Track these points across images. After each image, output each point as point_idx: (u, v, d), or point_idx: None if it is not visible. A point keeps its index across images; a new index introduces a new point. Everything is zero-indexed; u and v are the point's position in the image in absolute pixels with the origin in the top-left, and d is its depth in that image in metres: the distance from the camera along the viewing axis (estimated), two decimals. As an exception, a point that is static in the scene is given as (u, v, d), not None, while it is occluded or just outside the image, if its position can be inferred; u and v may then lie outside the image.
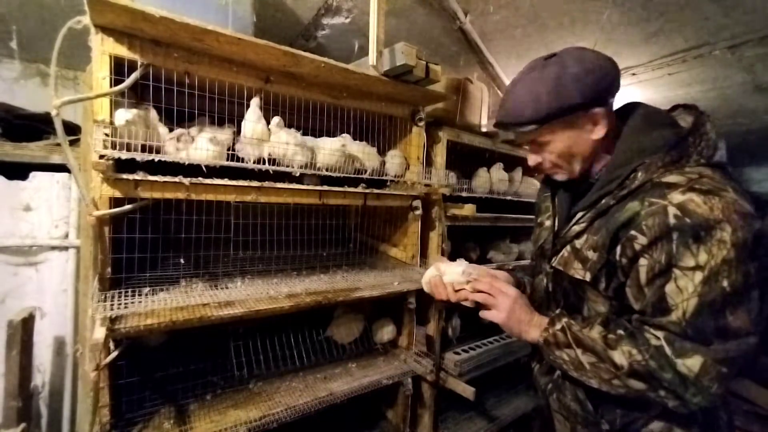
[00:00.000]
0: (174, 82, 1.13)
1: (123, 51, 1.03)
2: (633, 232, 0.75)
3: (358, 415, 1.80)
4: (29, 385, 1.46)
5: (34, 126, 1.71)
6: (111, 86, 1.01)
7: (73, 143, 1.39)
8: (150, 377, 1.28)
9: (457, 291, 1.02)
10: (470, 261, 1.11)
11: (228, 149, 1.22)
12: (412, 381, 1.70)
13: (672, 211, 0.71)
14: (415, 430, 1.85)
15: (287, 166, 1.32)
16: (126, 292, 1.08)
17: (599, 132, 0.82)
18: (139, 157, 1.02)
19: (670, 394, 0.72)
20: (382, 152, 1.75)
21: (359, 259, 1.82)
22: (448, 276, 1.04)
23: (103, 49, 1.00)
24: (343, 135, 1.51)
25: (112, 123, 1.01)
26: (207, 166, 1.15)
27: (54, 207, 1.63)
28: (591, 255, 0.83)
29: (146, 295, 1.11)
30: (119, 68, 1.03)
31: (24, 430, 1.37)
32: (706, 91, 2.46)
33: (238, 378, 1.43)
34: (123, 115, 1.02)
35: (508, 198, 2.15)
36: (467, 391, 1.73)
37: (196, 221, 1.36)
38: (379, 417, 1.84)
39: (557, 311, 0.90)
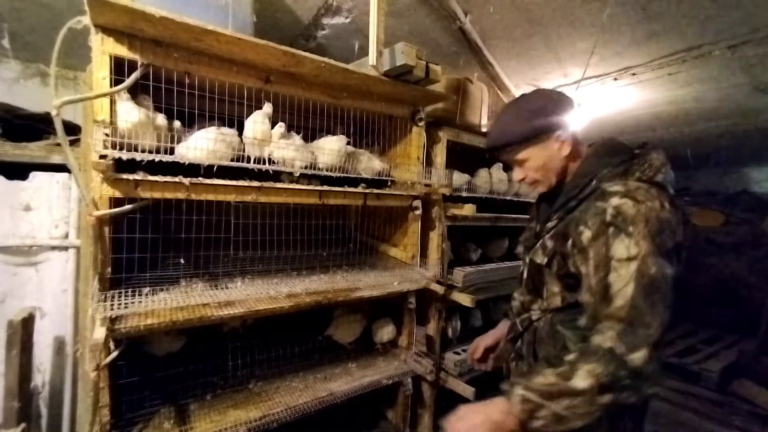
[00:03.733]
0: (174, 82, 1.13)
1: (123, 51, 1.03)
2: (581, 227, 0.91)
3: (358, 415, 1.80)
4: (29, 385, 1.46)
5: (34, 126, 1.72)
6: (111, 86, 1.01)
7: (73, 143, 1.39)
8: (150, 377, 1.28)
9: None
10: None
11: (233, 149, 1.22)
12: (412, 381, 1.71)
13: (610, 211, 0.86)
14: (415, 430, 1.85)
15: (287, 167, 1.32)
16: (126, 292, 1.07)
17: (565, 150, 1.02)
18: (140, 156, 1.03)
19: (631, 391, 0.77)
20: (383, 152, 1.75)
21: (359, 259, 1.82)
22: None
23: (103, 49, 1.00)
24: (339, 136, 1.51)
25: (112, 123, 1.01)
26: (208, 166, 1.15)
27: (54, 207, 1.63)
28: (549, 243, 1.01)
29: (146, 295, 1.11)
30: (119, 68, 1.03)
31: (24, 430, 1.37)
32: (706, 91, 2.46)
33: (238, 378, 1.43)
34: (131, 116, 1.03)
35: (508, 198, 2.15)
36: (467, 391, 1.73)
37: (196, 221, 1.36)
38: (379, 417, 1.84)
39: (502, 393, 0.84)
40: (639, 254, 0.82)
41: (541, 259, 1.03)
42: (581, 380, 0.76)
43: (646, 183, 0.90)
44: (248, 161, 1.24)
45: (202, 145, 1.13)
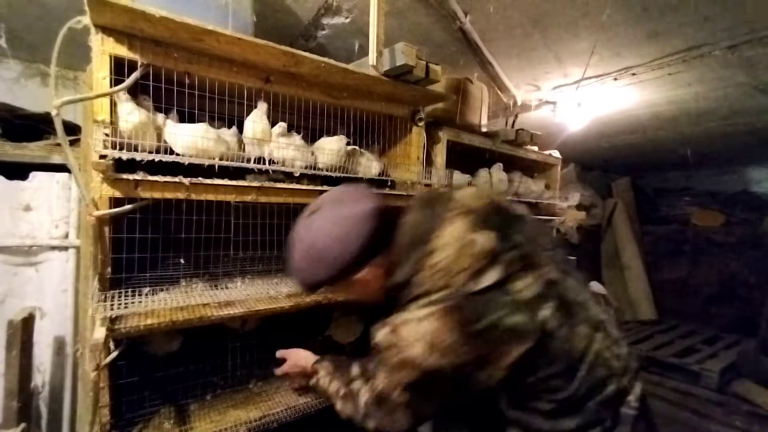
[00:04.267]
0: (174, 82, 1.13)
1: (123, 51, 1.02)
2: None
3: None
4: (29, 385, 1.46)
5: (34, 126, 1.71)
6: (111, 86, 1.01)
7: (73, 143, 1.39)
8: (150, 377, 1.28)
9: None
10: None
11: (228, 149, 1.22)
12: (412, 381, 1.70)
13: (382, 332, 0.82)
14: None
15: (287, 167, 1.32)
16: (126, 292, 1.08)
17: (375, 283, 0.90)
18: (140, 156, 1.03)
19: None
20: (383, 152, 1.75)
21: (359, 259, 1.82)
22: None
23: (103, 49, 1.00)
24: (340, 136, 1.51)
25: (112, 123, 1.01)
26: (208, 166, 1.15)
27: (54, 207, 1.63)
28: None
29: (146, 295, 1.11)
30: (119, 68, 1.03)
31: (24, 430, 1.37)
32: (706, 91, 2.46)
33: (238, 378, 1.43)
34: (132, 116, 1.03)
35: (508, 198, 2.15)
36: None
37: (196, 221, 1.36)
38: (379, 417, 1.84)
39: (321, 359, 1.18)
40: (390, 369, 0.81)
41: None
42: (340, 409, 0.96)
43: (432, 306, 0.78)
44: (248, 161, 1.24)
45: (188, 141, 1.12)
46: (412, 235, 0.85)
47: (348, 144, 1.48)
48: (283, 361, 1.28)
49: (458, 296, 0.74)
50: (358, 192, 0.91)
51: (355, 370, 0.94)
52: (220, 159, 1.18)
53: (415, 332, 0.75)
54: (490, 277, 0.75)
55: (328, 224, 0.85)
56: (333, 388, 1.00)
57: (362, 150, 1.58)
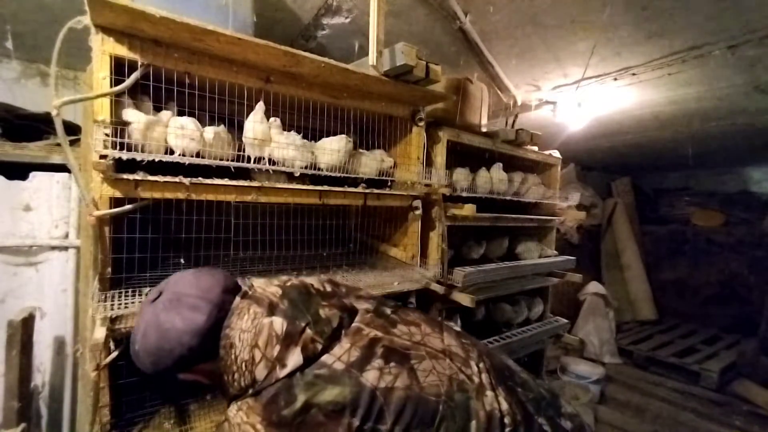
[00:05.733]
0: (174, 82, 1.13)
1: (123, 51, 1.03)
2: None
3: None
4: (29, 385, 1.46)
5: (34, 126, 1.72)
6: (111, 86, 1.01)
7: (73, 143, 1.39)
8: (150, 377, 1.28)
9: None
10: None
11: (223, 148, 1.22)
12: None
13: None
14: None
15: (287, 167, 1.32)
16: (126, 292, 1.07)
17: (208, 375, 0.82)
18: (140, 156, 1.03)
19: None
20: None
21: (359, 259, 1.82)
22: None
23: (104, 49, 1.00)
24: (341, 136, 1.51)
25: (113, 123, 1.01)
26: (207, 166, 1.15)
27: (54, 207, 1.63)
28: None
29: (146, 294, 1.11)
30: (119, 68, 1.03)
31: (24, 430, 1.37)
32: (706, 91, 2.46)
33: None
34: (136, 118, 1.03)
35: (508, 198, 2.15)
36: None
37: (196, 221, 1.36)
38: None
39: None
40: None
41: None
42: None
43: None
44: (248, 161, 1.25)
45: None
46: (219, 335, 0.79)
47: (349, 143, 1.48)
48: None
49: (265, 387, 0.70)
50: (200, 294, 0.79)
51: None
52: (220, 159, 1.18)
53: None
54: (293, 360, 0.72)
55: (153, 328, 0.77)
56: None
57: (365, 151, 1.59)
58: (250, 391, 0.72)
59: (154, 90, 1.09)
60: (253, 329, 0.75)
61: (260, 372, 0.72)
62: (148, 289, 1.13)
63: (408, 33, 1.87)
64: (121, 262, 1.13)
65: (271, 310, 0.79)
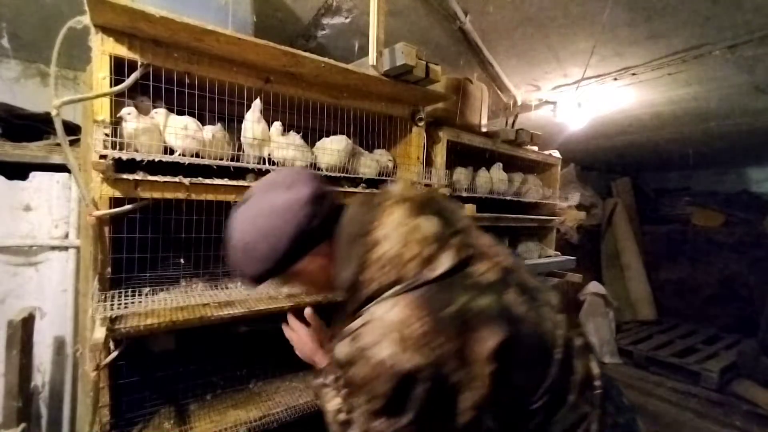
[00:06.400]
0: (174, 82, 1.13)
1: (123, 51, 1.03)
2: None
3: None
4: (29, 385, 1.46)
5: (34, 126, 1.71)
6: (111, 86, 1.01)
7: (73, 143, 1.39)
8: (150, 377, 1.28)
9: None
10: None
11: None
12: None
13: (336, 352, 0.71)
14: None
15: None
16: (126, 292, 1.08)
17: (320, 265, 0.80)
18: (140, 157, 1.03)
19: None
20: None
21: (359, 259, 1.82)
22: None
23: (103, 49, 1.00)
24: (341, 136, 1.51)
25: (113, 123, 1.01)
26: (206, 166, 1.15)
27: (54, 207, 1.63)
28: None
29: (146, 295, 1.11)
30: (119, 68, 1.03)
31: (24, 430, 1.37)
32: (706, 91, 2.46)
33: (239, 378, 1.43)
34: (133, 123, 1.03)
35: (508, 198, 2.15)
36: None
37: (196, 221, 1.36)
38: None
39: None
40: (359, 408, 0.67)
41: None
42: None
43: (383, 303, 0.69)
44: (248, 161, 1.24)
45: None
46: (351, 230, 0.78)
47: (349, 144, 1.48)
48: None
49: (417, 284, 0.68)
50: (292, 177, 0.80)
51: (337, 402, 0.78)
52: (220, 159, 1.18)
53: (380, 330, 0.65)
54: (445, 262, 0.70)
55: (256, 217, 0.76)
56: (332, 406, 0.80)
57: (365, 151, 1.58)
58: (397, 287, 0.69)
59: (154, 90, 1.09)
60: (403, 227, 0.73)
61: (410, 270, 0.69)
62: (148, 289, 1.13)
63: (408, 33, 1.87)
64: (121, 262, 1.13)
65: (422, 210, 0.76)
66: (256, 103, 1.26)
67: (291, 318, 1.02)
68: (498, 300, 0.70)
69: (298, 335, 0.99)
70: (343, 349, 0.69)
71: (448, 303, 0.66)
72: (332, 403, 0.77)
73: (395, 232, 0.72)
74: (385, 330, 0.65)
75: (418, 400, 0.63)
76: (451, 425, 0.66)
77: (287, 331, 1.01)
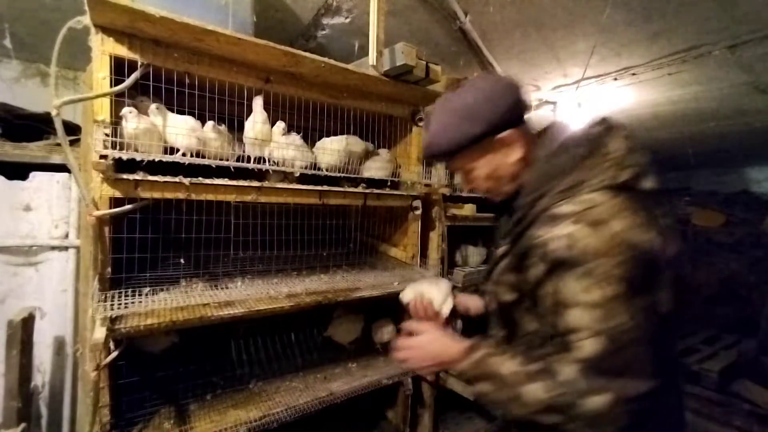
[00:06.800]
0: (174, 82, 1.13)
1: (123, 51, 1.03)
2: (528, 262, 0.77)
3: (358, 415, 1.80)
4: (29, 385, 1.46)
5: (34, 126, 1.71)
6: (111, 86, 1.01)
7: (73, 143, 1.39)
8: (150, 377, 1.28)
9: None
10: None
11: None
12: (412, 381, 1.70)
13: (558, 243, 0.70)
14: (415, 430, 1.85)
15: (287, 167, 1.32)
16: (126, 292, 1.08)
17: (515, 154, 0.86)
18: (140, 156, 1.03)
19: (584, 426, 0.69)
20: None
21: (359, 259, 1.82)
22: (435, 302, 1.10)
23: (103, 49, 1.00)
24: (341, 136, 1.51)
25: (113, 123, 1.01)
26: (206, 166, 1.15)
27: (54, 207, 1.63)
28: (510, 278, 0.83)
29: (146, 295, 1.11)
30: (119, 68, 1.04)
31: (24, 430, 1.37)
32: (706, 91, 2.46)
33: (238, 378, 1.43)
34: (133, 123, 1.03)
35: (508, 198, 2.14)
36: (467, 390, 1.73)
37: (196, 221, 1.36)
38: (379, 417, 1.84)
39: (475, 340, 0.85)
40: (604, 299, 0.66)
41: (506, 296, 0.85)
42: (535, 390, 0.71)
43: (607, 191, 0.72)
44: (248, 161, 1.24)
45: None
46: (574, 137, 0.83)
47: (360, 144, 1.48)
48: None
49: (621, 185, 0.73)
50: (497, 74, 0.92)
51: (537, 352, 0.77)
52: (220, 159, 1.18)
53: (609, 209, 0.70)
54: (650, 182, 0.76)
55: (478, 85, 0.85)
56: (511, 367, 0.75)
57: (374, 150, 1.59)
58: (605, 178, 0.73)
59: (154, 90, 1.09)
60: (631, 139, 0.79)
61: (623, 175, 0.73)
62: (148, 289, 1.13)
63: (408, 33, 1.87)
64: (121, 262, 1.13)
65: (609, 131, 0.81)
66: (259, 103, 1.27)
67: (413, 324, 0.96)
68: (673, 224, 0.79)
69: (427, 338, 0.91)
70: (558, 237, 0.70)
71: (653, 209, 0.74)
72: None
73: (623, 144, 0.77)
74: (613, 211, 0.70)
75: (640, 273, 0.68)
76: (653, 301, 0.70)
77: (404, 343, 0.93)
